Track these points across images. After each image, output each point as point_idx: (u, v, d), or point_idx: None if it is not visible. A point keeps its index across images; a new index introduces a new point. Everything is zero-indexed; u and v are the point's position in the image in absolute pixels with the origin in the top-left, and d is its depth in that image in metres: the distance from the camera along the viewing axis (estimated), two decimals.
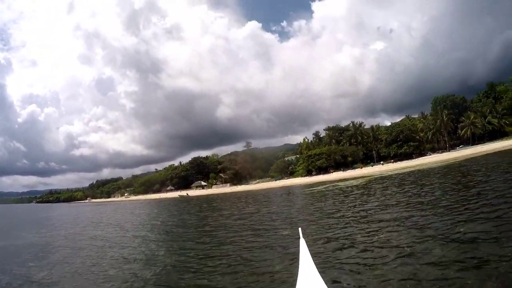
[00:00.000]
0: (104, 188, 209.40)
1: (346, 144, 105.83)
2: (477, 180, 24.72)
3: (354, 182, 49.36)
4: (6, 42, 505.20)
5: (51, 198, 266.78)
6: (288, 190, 61.01)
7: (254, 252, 12.86)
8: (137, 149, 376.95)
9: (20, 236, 29.33)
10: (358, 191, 34.58)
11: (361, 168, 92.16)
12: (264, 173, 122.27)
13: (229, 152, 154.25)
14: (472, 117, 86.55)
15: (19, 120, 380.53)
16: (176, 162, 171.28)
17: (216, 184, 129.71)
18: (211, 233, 19.58)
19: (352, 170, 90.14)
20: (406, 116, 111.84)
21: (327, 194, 37.01)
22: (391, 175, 53.04)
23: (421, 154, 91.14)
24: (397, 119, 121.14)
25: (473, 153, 65.74)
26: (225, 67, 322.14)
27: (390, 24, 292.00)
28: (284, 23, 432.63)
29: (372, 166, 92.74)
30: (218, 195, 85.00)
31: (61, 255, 17.71)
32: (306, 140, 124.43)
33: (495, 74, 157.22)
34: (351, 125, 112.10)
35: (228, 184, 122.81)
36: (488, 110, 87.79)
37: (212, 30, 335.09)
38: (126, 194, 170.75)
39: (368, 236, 12.64)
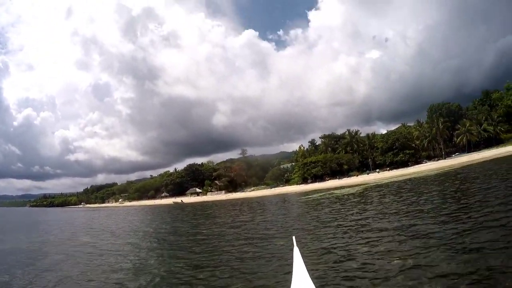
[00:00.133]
0: (98, 194, 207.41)
1: (342, 152, 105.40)
2: (477, 187, 24.19)
3: (350, 190, 48.78)
4: (4, 45, 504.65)
5: (45, 202, 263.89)
6: (283, 198, 60.42)
7: (246, 263, 12.20)
8: (133, 155, 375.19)
9: (7, 240, 28.62)
10: (355, 199, 33.99)
11: (357, 176, 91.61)
12: (260, 180, 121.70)
13: (225, 160, 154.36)
14: (467, 125, 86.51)
15: (15, 123, 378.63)
16: (171, 169, 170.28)
17: (211, 191, 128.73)
18: (203, 241, 18.91)
19: (348, 178, 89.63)
20: (402, 124, 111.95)
21: (323, 202, 36.37)
22: (387, 183, 52.57)
23: (417, 162, 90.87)
24: (393, 127, 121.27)
25: (469, 160, 65.51)
26: (222, 75, 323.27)
27: (385, 33, 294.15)
28: (280, 32, 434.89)
29: (367, 174, 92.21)
30: (212, 202, 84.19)
31: (47, 262, 17.08)
32: (302, 148, 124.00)
33: (490, 82, 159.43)
34: (347, 133, 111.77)
35: (223, 192, 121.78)
36: (483, 117, 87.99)
37: (209, 38, 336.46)
38: (120, 200, 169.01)
39: (368, 247, 11.99)
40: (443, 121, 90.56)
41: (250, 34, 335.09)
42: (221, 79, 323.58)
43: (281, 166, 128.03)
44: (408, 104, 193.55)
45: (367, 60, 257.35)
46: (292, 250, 4.57)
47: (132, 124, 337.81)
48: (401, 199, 26.60)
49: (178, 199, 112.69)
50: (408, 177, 57.36)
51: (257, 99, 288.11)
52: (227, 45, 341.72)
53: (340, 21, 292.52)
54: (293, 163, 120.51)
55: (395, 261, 9.70)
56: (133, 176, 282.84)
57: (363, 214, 21.26)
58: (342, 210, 26.35)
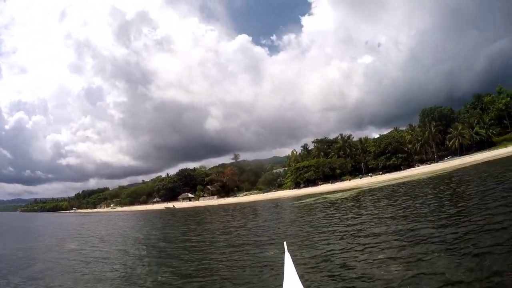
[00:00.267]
0: (90, 199, 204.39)
1: (335, 157, 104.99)
2: (474, 190, 23.76)
3: (344, 195, 48.35)
4: None
5: (36, 207, 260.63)
6: (276, 203, 59.74)
7: (237, 272, 11.60)
8: (125, 160, 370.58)
9: None
10: (349, 204, 33.46)
11: (350, 180, 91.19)
12: (252, 185, 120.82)
13: (217, 164, 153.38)
14: (460, 128, 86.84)
15: (6, 127, 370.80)
16: (163, 174, 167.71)
17: (203, 196, 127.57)
18: (193, 249, 18.34)
19: (341, 182, 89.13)
20: (394, 128, 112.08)
21: (317, 207, 35.84)
22: (381, 187, 52.16)
23: (410, 165, 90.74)
24: (385, 131, 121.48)
25: (461, 163, 65.56)
26: (215, 80, 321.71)
27: (378, 39, 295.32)
28: (274, 37, 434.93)
29: (360, 178, 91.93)
30: (205, 207, 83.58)
31: (31, 270, 16.50)
32: (295, 152, 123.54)
33: (481, 86, 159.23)
34: (339, 137, 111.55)
35: (216, 197, 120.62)
36: (475, 121, 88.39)
37: (202, 42, 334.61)
38: (112, 205, 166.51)
39: (367, 254, 11.38)
40: (435, 125, 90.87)
41: (244, 39, 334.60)
42: (214, 84, 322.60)
43: (274, 171, 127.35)
44: (400, 108, 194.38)
45: (360, 65, 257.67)
46: (283, 255, 4.45)
47: (124, 128, 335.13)
48: (396, 203, 26.07)
49: (170, 204, 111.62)
50: (401, 180, 57.17)
51: (250, 104, 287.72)
52: (220, 49, 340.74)
53: (333, 26, 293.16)
54: (286, 168, 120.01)
55: (396, 270, 9.09)
56: (125, 181, 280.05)
57: (358, 219, 20.69)
58: (337, 215, 25.77)
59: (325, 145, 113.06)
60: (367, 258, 10.88)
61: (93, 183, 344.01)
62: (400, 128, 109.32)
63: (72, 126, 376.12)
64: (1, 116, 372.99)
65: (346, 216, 23.29)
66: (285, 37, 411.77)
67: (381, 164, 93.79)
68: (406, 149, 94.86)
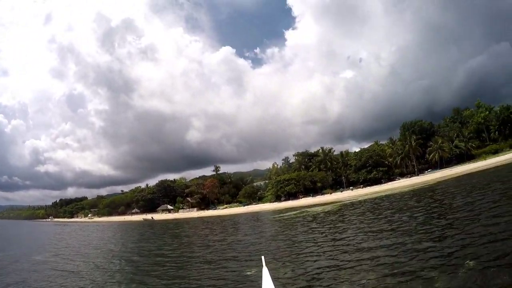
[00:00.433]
0: (67, 208, 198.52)
1: (316, 170, 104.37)
2: (461, 201, 23.16)
3: (326, 208, 47.51)
4: None
5: (11, 215, 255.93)
6: (256, 216, 58.43)
7: None
8: (104, 169, 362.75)
9: None
10: (332, 218, 32.50)
11: (331, 193, 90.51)
12: (232, 198, 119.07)
13: (198, 176, 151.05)
14: (439, 142, 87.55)
15: None
16: (143, 184, 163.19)
17: (182, 208, 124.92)
18: (168, 264, 17.45)
19: (322, 196, 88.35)
20: (375, 141, 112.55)
21: (299, 221, 34.83)
22: (362, 200, 51.64)
23: (390, 179, 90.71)
24: (365, 145, 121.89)
25: (442, 176, 66.17)
26: (197, 91, 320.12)
27: (359, 54, 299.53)
28: (257, 50, 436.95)
29: (341, 191, 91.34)
30: (184, 219, 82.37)
31: None
32: (276, 165, 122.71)
33: (460, 101, 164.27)
34: (320, 151, 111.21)
35: (195, 209, 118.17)
36: (455, 134, 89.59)
37: (186, 53, 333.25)
38: (89, 215, 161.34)
39: (362, 273, 10.13)
40: (416, 138, 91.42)
41: (227, 51, 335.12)
42: (196, 95, 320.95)
43: (255, 184, 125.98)
44: (381, 122, 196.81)
45: (341, 80, 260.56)
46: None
47: (104, 137, 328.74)
48: (382, 216, 25.21)
49: (148, 216, 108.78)
50: (383, 194, 56.89)
51: (232, 116, 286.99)
52: (204, 61, 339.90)
53: (316, 41, 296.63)
54: (267, 181, 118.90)
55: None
56: (104, 191, 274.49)
57: (344, 233, 19.63)
58: (320, 229, 24.71)
59: (306, 158, 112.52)
60: (361, 278, 9.54)
61: (71, 192, 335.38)
62: (380, 142, 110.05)
63: (52, 132, 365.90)
64: None
65: (330, 231, 22.27)
66: (269, 50, 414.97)
67: (362, 178, 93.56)
68: (386, 162, 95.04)
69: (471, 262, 8.92)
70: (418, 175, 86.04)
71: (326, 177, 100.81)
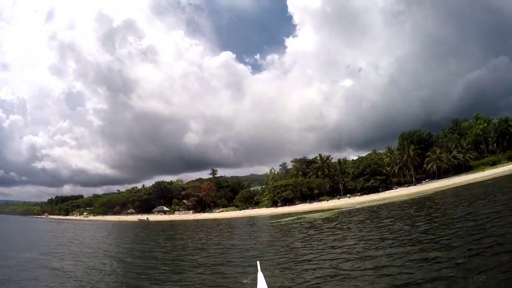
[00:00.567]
0: (63, 205, 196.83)
1: (313, 177, 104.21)
2: (463, 212, 22.60)
3: (323, 215, 46.96)
4: None
5: (6, 210, 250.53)
6: (252, 221, 57.89)
7: None
8: (101, 168, 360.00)
9: None
10: (330, 225, 31.91)
11: (327, 200, 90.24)
12: (229, 202, 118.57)
13: (194, 179, 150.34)
14: (438, 152, 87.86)
15: None
16: (139, 185, 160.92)
17: (178, 210, 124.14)
18: (160, 267, 16.89)
19: (319, 203, 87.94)
20: (373, 150, 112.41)
21: (296, 227, 34.26)
22: (359, 208, 51.22)
23: (388, 187, 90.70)
24: (363, 153, 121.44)
25: (440, 186, 66.07)
26: (196, 94, 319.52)
27: (359, 63, 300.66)
28: (257, 56, 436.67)
29: (338, 199, 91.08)
30: (179, 222, 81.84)
31: None
32: (273, 171, 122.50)
33: (458, 112, 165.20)
34: (318, 157, 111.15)
35: (191, 211, 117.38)
36: (453, 145, 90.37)
37: (186, 56, 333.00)
38: (85, 214, 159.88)
39: (363, 284, 9.61)
40: (414, 148, 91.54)
41: (228, 55, 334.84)
42: (195, 98, 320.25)
43: (251, 189, 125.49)
44: (379, 131, 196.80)
45: (340, 88, 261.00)
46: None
47: (102, 136, 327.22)
48: (381, 224, 24.73)
49: (144, 217, 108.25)
50: (381, 202, 56.46)
51: (230, 120, 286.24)
52: (204, 64, 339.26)
53: (316, 49, 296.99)
54: (263, 186, 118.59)
55: None
56: (100, 190, 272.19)
57: (343, 241, 19.07)
58: (317, 236, 24.20)
59: (303, 165, 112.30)
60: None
61: (67, 189, 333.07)
62: (378, 151, 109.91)
63: (50, 129, 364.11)
64: None
65: (329, 238, 21.65)
66: (269, 57, 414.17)
67: (360, 186, 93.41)
68: (384, 171, 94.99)
69: (480, 274, 8.50)
70: (415, 184, 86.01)
71: (323, 184, 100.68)
